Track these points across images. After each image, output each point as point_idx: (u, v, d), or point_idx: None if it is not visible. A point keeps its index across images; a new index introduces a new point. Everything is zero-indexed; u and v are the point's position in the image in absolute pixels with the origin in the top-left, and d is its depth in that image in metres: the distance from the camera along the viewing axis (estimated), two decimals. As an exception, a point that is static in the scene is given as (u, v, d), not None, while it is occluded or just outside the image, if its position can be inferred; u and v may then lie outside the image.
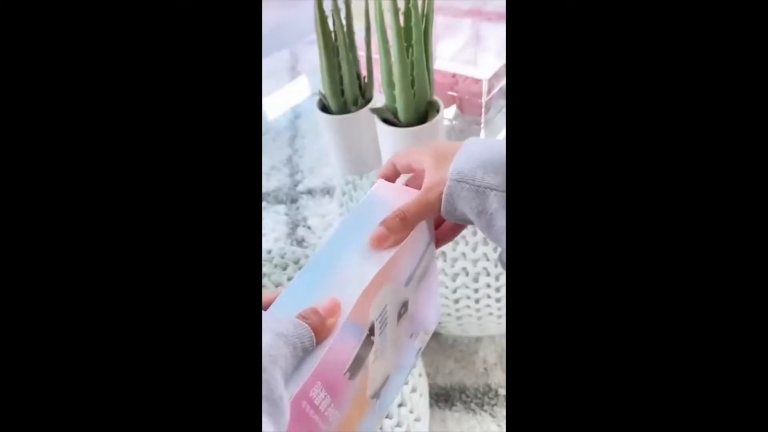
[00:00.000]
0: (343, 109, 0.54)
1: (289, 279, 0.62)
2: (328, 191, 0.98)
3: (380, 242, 0.28)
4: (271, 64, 1.41)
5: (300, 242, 0.92)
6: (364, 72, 0.56)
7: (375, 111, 0.51)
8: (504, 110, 0.58)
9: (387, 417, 0.50)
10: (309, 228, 0.97)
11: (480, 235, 0.58)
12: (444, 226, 0.34)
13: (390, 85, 0.48)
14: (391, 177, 0.33)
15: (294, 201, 0.97)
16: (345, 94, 0.54)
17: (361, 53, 0.54)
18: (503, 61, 0.54)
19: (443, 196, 0.28)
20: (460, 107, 0.55)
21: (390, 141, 0.51)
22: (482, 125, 0.54)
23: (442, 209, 0.29)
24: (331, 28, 0.50)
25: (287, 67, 1.45)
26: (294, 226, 0.93)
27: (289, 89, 1.37)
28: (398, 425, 0.50)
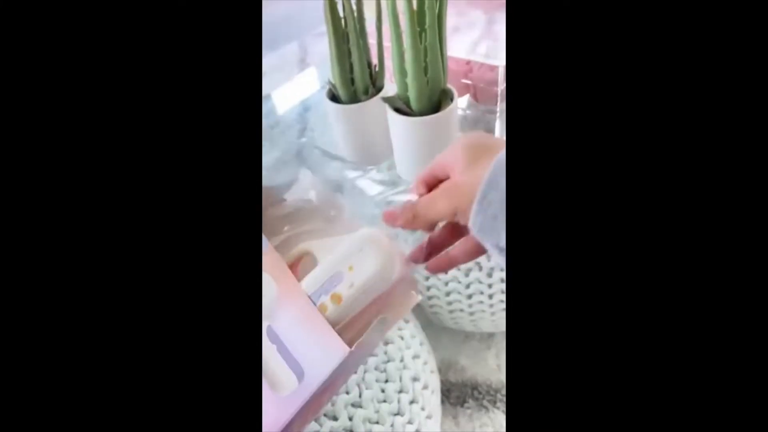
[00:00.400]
0: (354, 99, 0.53)
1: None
2: (338, 186, 0.97)
3: (390, 220, 0.26)
4: (279, 56, 1.40)
5: (309, 236, 0.91)
6: (375, 60, 0.54)
7: (386, 100, 0.49)
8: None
9: (398, 414, 0.49)
10: (318, 222, 0.96)
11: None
12: (466, 242, 0.29)
13: (402, 72, 0.46)
14: (431, 184, 0.28)
15: (303, 194, 0.96)
16: (355, 82, 0.52)
17: (372, 41, 0.53)
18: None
19: (474, 205, 0.23)
20: (475, 96, 0.53)
21: (402, 131, 0.50)
22: (497, 114, 0.52)
23: (472, 221, 0.24)
24: (341, 14, 0.49)
25: (296, 60, 1.44)
26: (303, 219, 0.91)
27: (298, 82, 1.35)
28: (410, 422, 0.49)
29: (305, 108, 1.26)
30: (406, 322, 0.57)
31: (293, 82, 1.34)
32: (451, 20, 0.59)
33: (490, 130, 0.54)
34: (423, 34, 0.43)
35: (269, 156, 1.04)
